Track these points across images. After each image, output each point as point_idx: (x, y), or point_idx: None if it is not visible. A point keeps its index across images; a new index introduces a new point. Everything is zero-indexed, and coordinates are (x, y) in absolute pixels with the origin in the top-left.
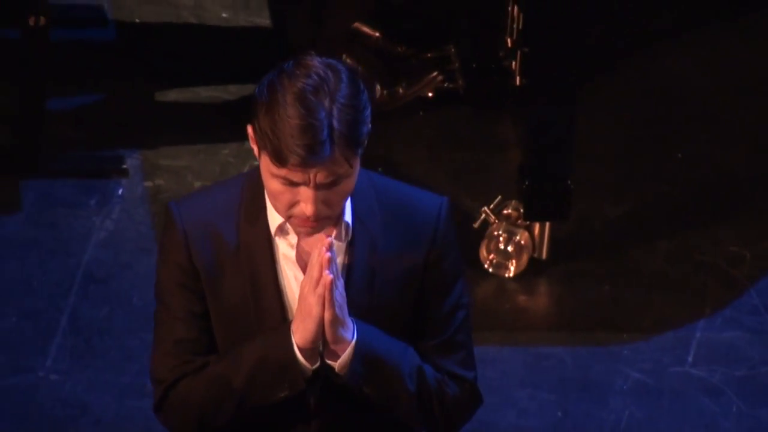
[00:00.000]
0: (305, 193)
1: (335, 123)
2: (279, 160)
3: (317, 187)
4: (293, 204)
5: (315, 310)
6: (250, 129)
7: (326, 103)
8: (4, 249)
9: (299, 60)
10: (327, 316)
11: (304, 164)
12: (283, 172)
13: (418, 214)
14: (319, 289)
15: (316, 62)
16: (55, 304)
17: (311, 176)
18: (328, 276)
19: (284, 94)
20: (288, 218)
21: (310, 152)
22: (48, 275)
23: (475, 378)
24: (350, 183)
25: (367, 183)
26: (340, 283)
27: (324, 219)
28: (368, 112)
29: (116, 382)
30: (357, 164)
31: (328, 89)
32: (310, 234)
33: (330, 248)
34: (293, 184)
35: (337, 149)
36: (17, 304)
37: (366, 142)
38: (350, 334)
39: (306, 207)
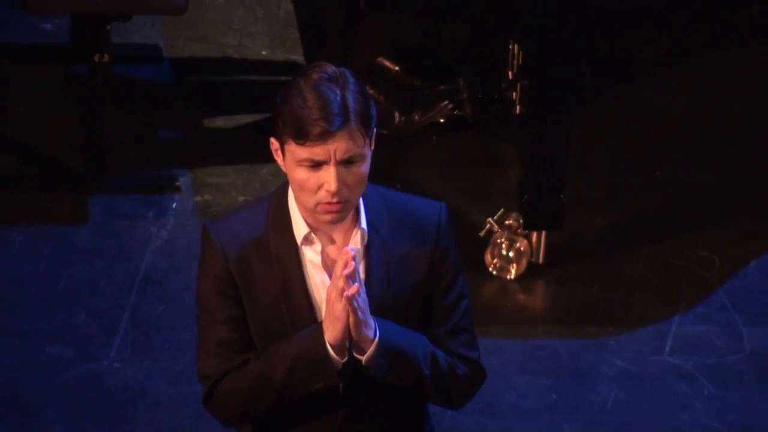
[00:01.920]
0: (327, 172)
1: (349, 103)
2: (302, 135)
3: (337, 164)
4: (318, 188)
5: (342, 315)
6: (273, 140)
7: (338, 90)
8: (74, 256)
9: (311, 65)
10: (352, 320)
11: (325, 135)
12: (305, 152)
13: (422, 218)
14: (345, 299)
15: (326, 64)
16: (118, 303)
17: (332, 152)
18: (353, 288)
19: (301, 88)
20: (315, 207)
21: (329, 123)
22: (112, 278)
23: (479, 356)
24: (364, 168)
25: (376, 195)
26: (362, 290)
27: (345, 203)
28: (373, 102)
29: (171, 370)
30: (369, 150)
31: (340, 81)
32: (334, 222)
33: (353, 259)
34: (316, 164)
35: (353, 122)
36: (86, 303)
37: (375, 128)
38: (373, 332)
39: (329, 184)
